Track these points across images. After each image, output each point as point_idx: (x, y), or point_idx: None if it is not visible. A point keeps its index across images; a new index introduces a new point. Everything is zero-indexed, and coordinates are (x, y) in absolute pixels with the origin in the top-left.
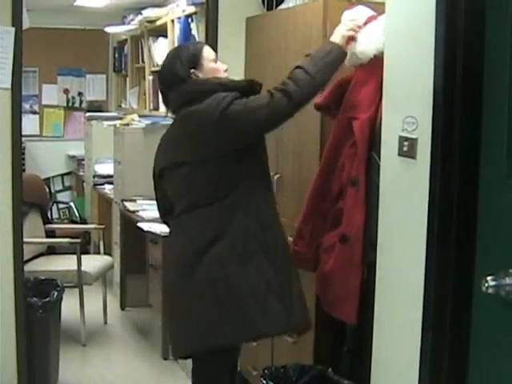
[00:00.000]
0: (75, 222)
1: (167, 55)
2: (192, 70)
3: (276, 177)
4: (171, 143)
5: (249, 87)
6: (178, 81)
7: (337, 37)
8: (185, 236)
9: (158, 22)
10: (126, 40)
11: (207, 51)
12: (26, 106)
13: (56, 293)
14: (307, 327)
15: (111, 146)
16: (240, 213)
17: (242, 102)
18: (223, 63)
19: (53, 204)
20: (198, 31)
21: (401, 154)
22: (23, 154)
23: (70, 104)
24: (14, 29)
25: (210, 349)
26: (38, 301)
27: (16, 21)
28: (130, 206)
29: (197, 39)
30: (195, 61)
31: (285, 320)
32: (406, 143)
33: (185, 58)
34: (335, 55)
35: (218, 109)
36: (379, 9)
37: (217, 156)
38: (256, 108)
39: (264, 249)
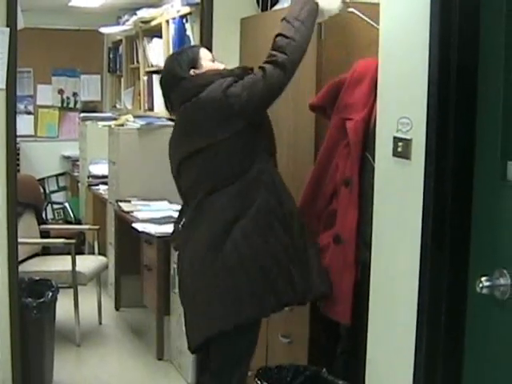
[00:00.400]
0: (70, 223)
1: (166, 61)
2: (192, 70)
3: None
4: (181, 138)
5: (242, 72)
6: (179, 80)
7: None
8: (209, 217)
9: (153, 23)
10: (121, 40)
11: (204, 52)
12: (20, 106)
13: (50, 293)
14: (327, 291)
15: (106, 147)
16: (261, 188)
17: (240, 83)
18: (220, 63)
19: (47, 204)
20: (192, 32)
21: (395, 154)
22: (18, 154)
23: (65, 104)
24: (8, 29)
25: (238, 324)
26: (32, 301)
27: (11, 21)
28: (124, 206)
29: (191, 40)
30: (194, 62)
31: (307, 286)
32: (400, 144)
33: (184, 61)
34: (308, 10)
35: (220, 90)
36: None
37: (228, 136)
38: (252, 84)
39: (282, 220)
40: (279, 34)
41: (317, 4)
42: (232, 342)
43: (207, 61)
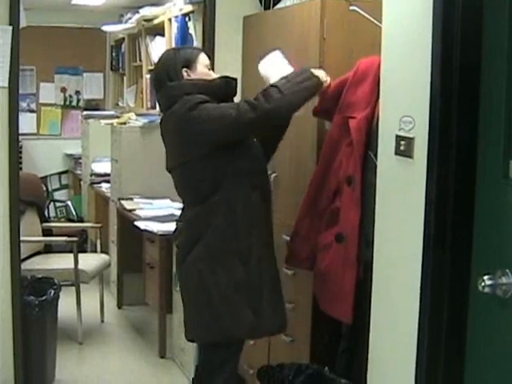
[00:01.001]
0: (72, 221)
1: (163, 54)
2: (185, 69)
3: (273, 176)
4: (165, 148)
5: (224, 84)
6: (167, 78)
7: (318, 71)
8: (184, 228)
9: (156, 21)
10: (124, 39)
11: (203, 57)
12: (23, 104)
13: (53, 291)
14: (280, 329)
15: (108, 145)
16: (219, 216)
17: (208, 108)
18: (215, 73)
19: (50, 202)
20: (195, 30)
21: (398, 153)
22: (20, 152)
23: (68, 102)
24: (11, 27)
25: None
26: (34, 299)
27: (13, 19)
28: (126, 204)
29: (194, 38)
30: (189, 62)
31: (252, 324)
32: (402, 142)
33: (179, 58)
34: (310, 82)
35: (183, 111)
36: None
37: (194, 158)
38: (220, 117)
39: (236, 254)
40: (273, 85)
41: (321, 84)
42: (207, 354)
43: (203, 66)
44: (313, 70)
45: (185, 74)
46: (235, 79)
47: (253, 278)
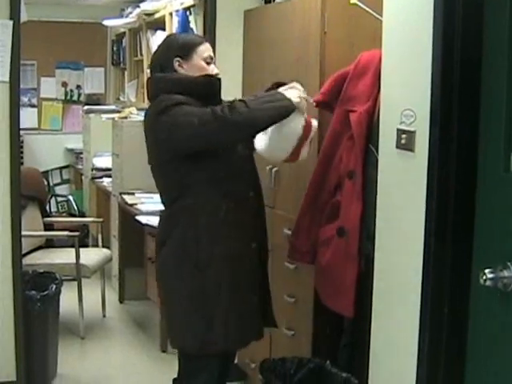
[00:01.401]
0: (73, 215)
1: (164, 39)
2: (177, 59)
3: (273, 170)
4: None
5: (207, 83)
6: (158, 67)
7: (291, 92)
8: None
9: (156, 15)
10: (125, 33)
11: (204, 49)
12: (24, 99)
13: (54, 286)
14: (230, 348)
15: (109, 139)
16: (180, 224)
17: (177, 114)
18: (217, 67)
19: (51, 197)
20: (196, 24)
21: (399, 146)
22: (21, 147)
23: (69, 97)
24: (11, 22)
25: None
26: (36, 294)
27: (14, 14)
28: (128, 199)
29: (195, 32)
30: (185, 51)
31: (203, 338)
32: (403, 136)
33: (174, 45)
34: (279, 103)
35: (155, 113)
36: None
37: (162, 161)
38: (184, 124)
39: (195, 263)
40: (242, 100)
41: (293, 107)
42: (181, 358)
43: (200, 59)
44: (285, 92)
45: (176, 64)
46: (219, 79)
47: (208, 291)
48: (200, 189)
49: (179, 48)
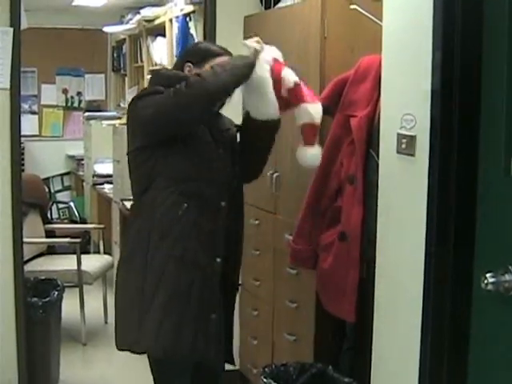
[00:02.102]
0: (75, 222)
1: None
2: (189, 64)
3: (275, 175)
4: None
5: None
6: (174, 66)
7: (244, 50)
8: None
9: (157, 22)
10: (125, 39)
11: (219, 61)
12: (24, 106)
13: (56, 292)
14: (161, 355)
15: (110, 146)
16: (140, 216)
17: (153, 99)
18: None
19: (52, 204)
20: (196, 30)
21: (399, 151)
22: (22, 154)
23: (69, 104)
24: (12, 29)
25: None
26: (38, 301)
27: (14, 21)
28: (129, 205)
29: (195, 38)
30: (198, 59)
31: (135, 339)
32: (404, 140)
33: (191, 51)
34: (233, 64)
35: (132, 101)
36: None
37: (135, 149)
38: (150, 103)
39: (142, 261)
40: (198, 75)
41: (250, 61)
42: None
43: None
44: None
45: (186, 68)
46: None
47: (146, 292)
48: (163, 184)
49: (194, 54)
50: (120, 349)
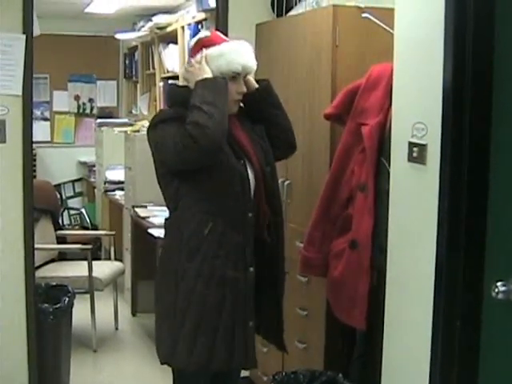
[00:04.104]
0: (86, 228)
1: None
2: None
3: (286, 183)
4: None
5: (187, 95)
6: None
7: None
8: None
9: (169, 29)
10: (137, 46)
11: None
12: (36, 112)
13: (67, 299)
14: (195, 369)
15: (122, 153)
16: (170, 234)
17: (164, 132)
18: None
19: (64, 210)
20: None
21: (410, 159)
22: (34, 160)
23: (81, 110)
24: (24, 36)
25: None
26: (49, 307)
27: (27, 28)
28: (140, 212)
29: None
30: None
31: (170, 354)
32: (415, 149)
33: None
34: (203, 88)
35: (148, 127)
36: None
37: (160, 173)
38: (168, 145)
39: (173, 278)
40: (198, 108)
41: (206, 79)
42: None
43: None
44: (200, 78)
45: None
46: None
47: (177, 308)
48: (188, 203)
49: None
50: (161, 362)
